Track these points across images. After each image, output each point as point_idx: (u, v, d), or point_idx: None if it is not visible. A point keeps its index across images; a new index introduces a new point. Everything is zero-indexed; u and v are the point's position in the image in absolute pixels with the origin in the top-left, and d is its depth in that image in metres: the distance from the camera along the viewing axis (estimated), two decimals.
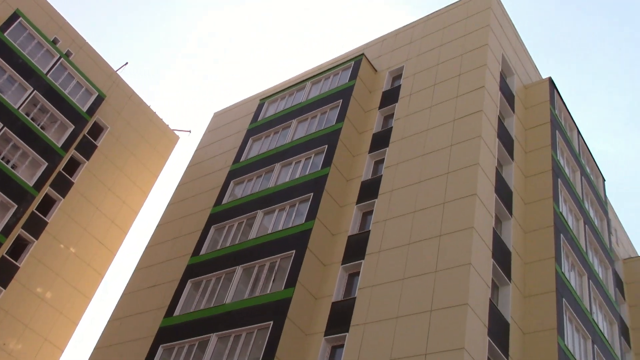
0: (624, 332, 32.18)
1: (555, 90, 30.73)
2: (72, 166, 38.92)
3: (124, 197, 41.24)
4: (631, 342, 33.13)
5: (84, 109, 39.28)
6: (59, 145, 37.29)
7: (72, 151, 38.48)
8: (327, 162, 27.28)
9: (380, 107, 30.30)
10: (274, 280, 24.06)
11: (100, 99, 40.43)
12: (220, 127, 38.59)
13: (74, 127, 38.34)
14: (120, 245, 40.59)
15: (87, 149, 39.61)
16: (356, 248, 24.09)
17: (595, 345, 24.36)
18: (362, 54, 32.61)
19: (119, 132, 41.86)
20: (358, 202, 26.11)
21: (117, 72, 43.26)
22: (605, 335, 26.27)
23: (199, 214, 31.73)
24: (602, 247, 29.55)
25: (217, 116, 40.13)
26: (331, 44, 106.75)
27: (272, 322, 22.01)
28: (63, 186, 37.69)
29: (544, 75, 34.49)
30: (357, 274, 23.42)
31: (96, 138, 40.59)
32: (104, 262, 39.52)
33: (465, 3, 31.70)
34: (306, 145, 29.38)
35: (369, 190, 26.16)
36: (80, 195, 38.64)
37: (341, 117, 29.30)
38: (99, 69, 41.76)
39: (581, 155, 31.69)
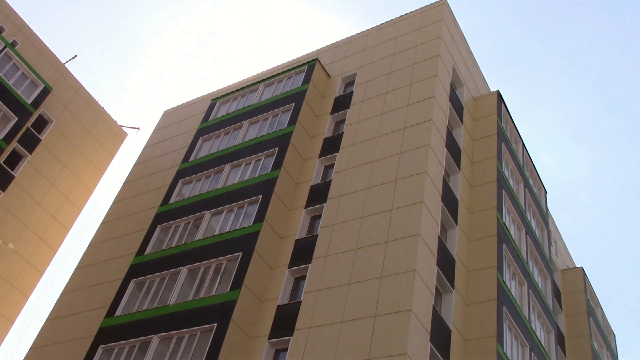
0: (560, 340, 33.15)
1: (502, 103, 31.48)
2: (14, 159, 37.74)
3: (67, 193, 40.22)
4: (566, 351, 34.16)
5: (29, 101, 38.16)
6: (1, 137, 36.14)
7: (14, 144, 37.30)
8: (277, 165, 27.26)
9: (332, 113, 30.45)
10: (219, 282, 23.88)
11: (46, 92, 39.35)
12: (170, 125, 38.11)
13: (17, 119, 37.18)
14: (62, 242, 39.53)
15: (31, 142, 38.46)
16: (303, 252, 24.13)
17: (532, 353, 24.99)
18: (316, 59, 32.74)
19: (64, 126, 40.81)
20: (307, 206, 26.17)
21: (65, 64, 42.20)
22: (543, 343, 26.99)
23: (144, 213, 31.24)
24: (542, 258, 30.38)
25: (167, 114, 39.60)
26: (284, 48, 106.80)
27: (215, 325, 21.82)
28: (3, 180, 36.51)
29: (492, 88, 35.30)
30: (304, 277, 23.45)
31: (40, 131, 39.47)
32: (44, 259, 38.42)
33: (419, 14, 32.18)
34: (257, 147, 29.28)
35: (318, 194, 26.24)
36: (21, 190, 37.49)
37: (293, 121, 29.33)
38: (46, 61, 40.63)
39: (525, 168, 32.52)
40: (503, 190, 27.49)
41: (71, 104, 41.58)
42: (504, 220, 26.48)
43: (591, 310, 37.27)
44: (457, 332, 22.34)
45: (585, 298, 36.88)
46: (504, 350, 22.40)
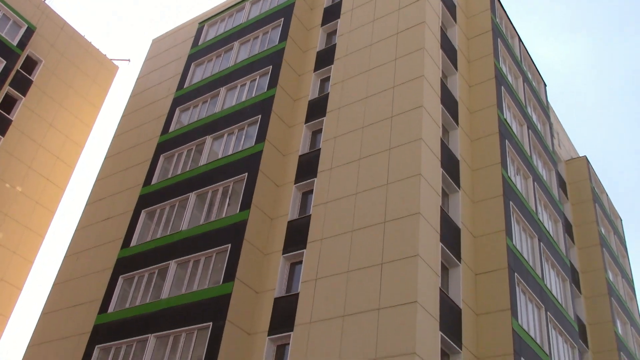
0: (568, 229, 33.80)
1: None
2: (9, 103, 37.49)
3: (67, 132, 40.16)
4: (575, 238, 34.89)
5: (14, 43, 37.52)
6: None
7: (6, 87, 36.96)
8: (273, 83, 27.02)
9: (322, 24, 29.88)
10: (228, 204, 24.18)
11: (30, 32, 38.60)
12: (160, 53, 37.52)
13: (5, 62, 36.67)
14: (68, 180, 39.85)
15: (23, 84, 38.08)
16: (308, 167, 24.28)
17: (541, 243, 25.55)
18: None
19: (54, 65, 40.26)
20: (307, 121, 26.12)
21: (46, 1, 41.19)
22: (551, 233, 27.53)
23: (146, 144, 31.26)
24: (545, 150, 30.53)
25: (156, 43, 38.91)
26: None
27: (230, 245, 22.27)
28: (1, 124, 36.41)
29: None
30: (311, 192, 23.71)
31: (31, 73, 39.00)
32: (54, 199, 38.84)
33: None
34: (250, 67, 28.95)
35: (317, 108, 26.14)
36: (20, 133, 37.45)
37: (284, 36, 28.83)
38: (25, 0, 39.66)
39: (523, 62, 32.15)
40: (502, 87, 27.31)
41: (57, 42, 40.86)
42: (505, 117, 26.44)
43: (597, 197, 37.79)
44: (467, 230, 22.76)
45: (590, 186, 37.30)
46: (514, 243, 22.89)
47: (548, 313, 23.85)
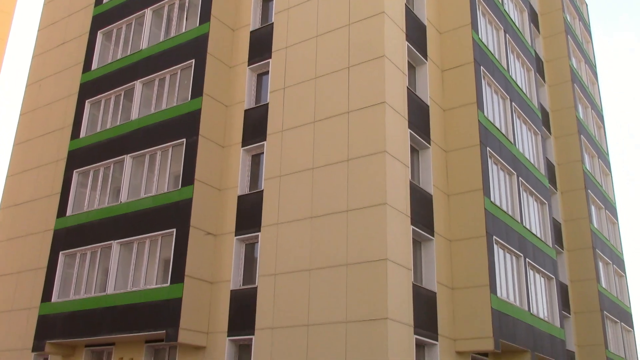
0: (534, 18, 33.50)
1: None
2: None
3: None
4: (540, 27, 34.73)
5: None
6: None
7: None
8: None
9: None
10: (186, 17, 23.33)
11: None
12: None
13: None
14: (15, 5, 37.79)
15: None
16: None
17: (507, 35, 25.45)
18: None
19: None
20: None
21: None
22: (516, 23, 27.32)
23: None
24: None
25: None
26: None
27: (193, 60, 21.89)
28: None
29: None
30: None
31: None
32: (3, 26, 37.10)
33: None
34: None
35: None
36: None
37: None
38: None
39: None
40: None
41: None
42: None
43: None
44: (432, 27, 22.48)
45: None
46: (479, 36, 22.77)
47: (513, 103, 24.45)
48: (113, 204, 22.12)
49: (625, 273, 36.70)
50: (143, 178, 21.80)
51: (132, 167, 22.25)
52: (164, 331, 18.72)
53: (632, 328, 35.85)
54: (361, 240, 17.29)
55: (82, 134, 24.25)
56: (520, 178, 23.50)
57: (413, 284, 17.88)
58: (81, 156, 23.79)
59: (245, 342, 18.79)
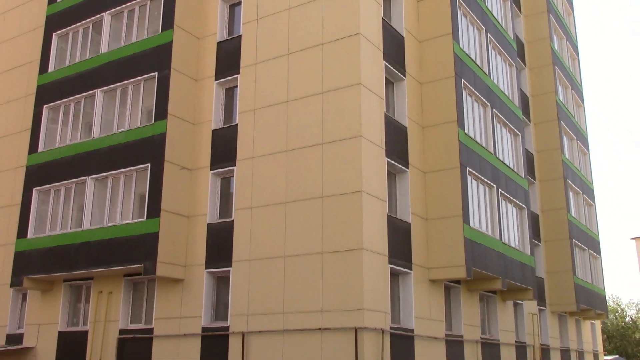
0: None
1: None
2: None
3: None
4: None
5: None
6: None
7: None
8: None
9: None
10: None
11: None
12: None
13: None
14: None
15: None
16: None
17: None
18: None
19: None
20: None
21: None
22: None
23: None
24: None
25: None
26: None
27: (160, 30, 21.30)
28: None
29: None
30: None
31: None
32: None
33: None
34: None
35: None
36: None
37: None
38: None
39: None
40: None
41: None
42: None
43: None
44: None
45: None
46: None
47: (488, 34, 24.30)
48: (85, 139, 21.87)
49: (594, 202, 37.57)
50: (115, 113, 21.52)
51: (104, 101, 21.90)
52: (142, 265, 18.89)
53: (599, 255, 36.99)
54: (336, 173, 17.39)
55: (51, 68, 23.68)
56: (494, 110, 23.62)
57: (388, 215, 18.14)
58: (51, 91, 23.31)
59: (223, 274, 19.07)
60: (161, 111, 20.14)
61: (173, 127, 20.04)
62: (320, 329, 16.46)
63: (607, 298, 49.44)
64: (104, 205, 20.63)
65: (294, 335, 16.93)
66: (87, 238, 20.38)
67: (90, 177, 21.01)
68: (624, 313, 60.07)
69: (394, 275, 18.37)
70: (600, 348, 39.86)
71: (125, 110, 21.26)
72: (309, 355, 16.53)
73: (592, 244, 35.95)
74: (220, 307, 19.13)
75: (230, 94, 20.86)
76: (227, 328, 18.23)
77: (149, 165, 19.81)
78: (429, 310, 19.40)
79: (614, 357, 52.43)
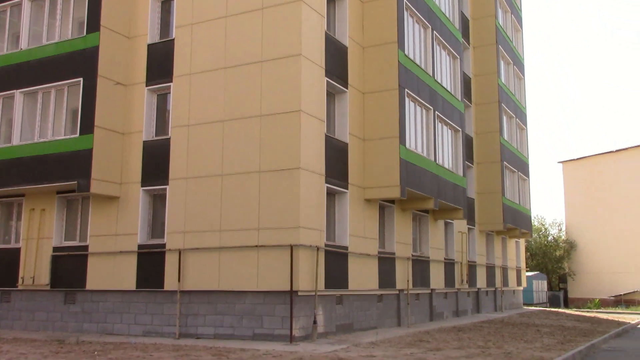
0: None
1: None
2: None
3: None
4: None
5: None
6: None
7: None
8: None
9: None
10: None
11: None
12: None
13: None
14: None
15: None
16: None
17: None
18: None
19: None
20: None
21: None
22: None
23: None
24: None
25: None
26: None
27: None
28: None
29: None
30: None
31: None
32: None
33: None
34: None
35: None
36: None
37: None
38: None
39: None
40: None
41: None
42: None
43: None
44: None
45: None
46: None
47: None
48: (13, 50, 20.84)
49: (526, 126, 38.72)
50: (44, 24, 20.47)
51: (32, 11, 20.77)
52: (76, 182, 18.55)
53: (528, 177, 38.48)
54: (275, 91, 17.24)
55: None
56: (434, 31, 23.65)
57: (326, 135, 18.24)
58: None
59: (159, 192, 18.95)
60: (93, 23, 19.28)
61: (106, 40, 19.27)
62: (256, 246, 16.72)
63: (532, 218, 51.85)
64: (34, 121, 19.93)
65: (230, 253, 17.17)
66: (18, 154, 19.76)
67: (18, 90, 20.16)
68: (547, 232, 63.20)
69: (330, 194, 18.67)
70: (523, 265, 42.10)
71: (55, 21, 20.25)
72: (245, 272, 16.84)
73: (522, 166, 37.30)
74: (156, 224, 19.11)
75: (166, 7, 20.10)
76: (163, 245, 18.30)
77: (81, 79, 19.11)
78: (364, 228, 19.93)
79: (536, 272, 55.59)
